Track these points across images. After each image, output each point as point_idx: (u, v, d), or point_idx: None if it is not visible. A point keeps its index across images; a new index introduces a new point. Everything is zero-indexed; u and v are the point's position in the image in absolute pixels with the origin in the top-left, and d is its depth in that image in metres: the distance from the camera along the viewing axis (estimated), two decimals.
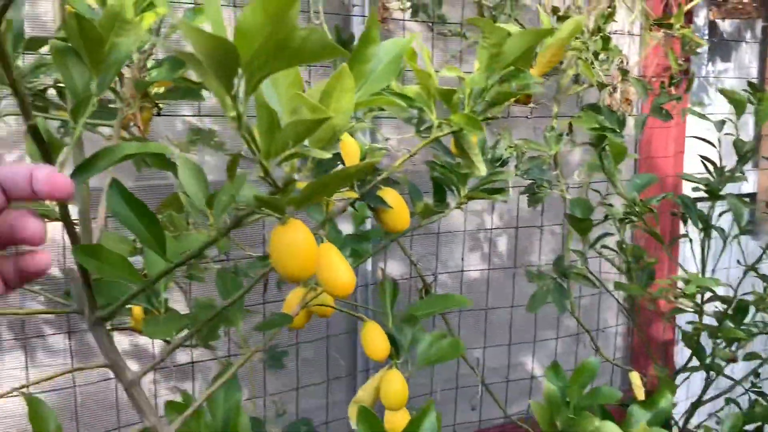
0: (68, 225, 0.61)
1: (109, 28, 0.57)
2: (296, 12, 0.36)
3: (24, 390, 0.75)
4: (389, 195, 0.75)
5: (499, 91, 0.73)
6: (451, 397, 1.83)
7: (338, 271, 0.73)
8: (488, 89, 0.72)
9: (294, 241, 0.58)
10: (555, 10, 1.43)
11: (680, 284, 1.19)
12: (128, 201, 0.58)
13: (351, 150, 0.76)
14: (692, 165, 2.09)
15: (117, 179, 0.58)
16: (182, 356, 1.51)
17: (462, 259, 1.73)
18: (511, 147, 1.42)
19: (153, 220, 0.58)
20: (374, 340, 0.95)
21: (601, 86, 1.42)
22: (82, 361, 1.41)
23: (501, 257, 1.89)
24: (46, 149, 0.50)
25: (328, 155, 0.48)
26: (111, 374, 1.33)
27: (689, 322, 1.31)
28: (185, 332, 0.76)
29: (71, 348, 1.37)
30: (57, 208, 0.77)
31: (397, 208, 0.75)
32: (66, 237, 1.35)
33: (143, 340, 1.46)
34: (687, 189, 2.11)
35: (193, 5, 1.25)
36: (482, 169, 0.83)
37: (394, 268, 1.74)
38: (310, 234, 0.60)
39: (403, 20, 1.59)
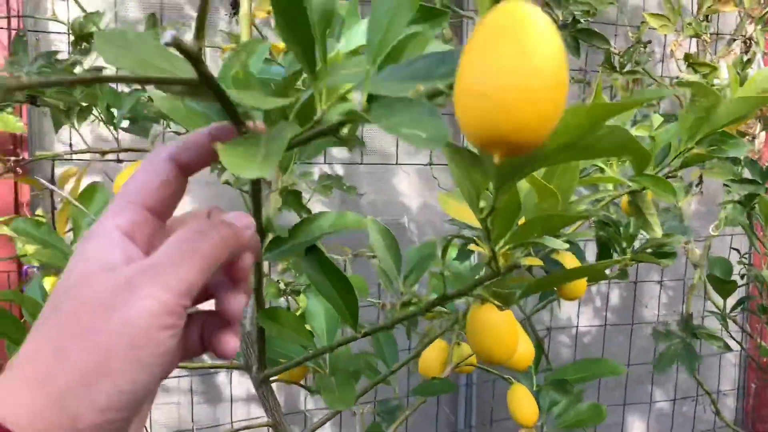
0: (258, 289, 0.59)
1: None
2: None
3: None
4: (567, 259, 0.71)
5: (694, 153, 0.68)
6: None
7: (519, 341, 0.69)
8: (684, 151, 0.67)
9: (497, 322, 0.55)
10: (688, 57, 1.37)
11: None
12: (324, 267, 0.56)
13: None
14: None
15: (317, 245, 0.55)
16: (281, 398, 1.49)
17: (578, 315, 1.66)
18: None
19: (348, 289, 0.56)
20: (523, 404, 0.90)
21: (740, 136, 1.34)
22: (200, 401, 1.40)
23: (612, 310, 1.80)
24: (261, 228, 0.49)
25: (565, 246, 0.45)
26: (226, 418, 1.30)
27: None
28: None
29: (191, 388, 1.37)
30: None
31: None
32: None
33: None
34: None
35: None
36: (658, 231, 0.78)
37: None
38: (511, 313, 0.56)
39: None
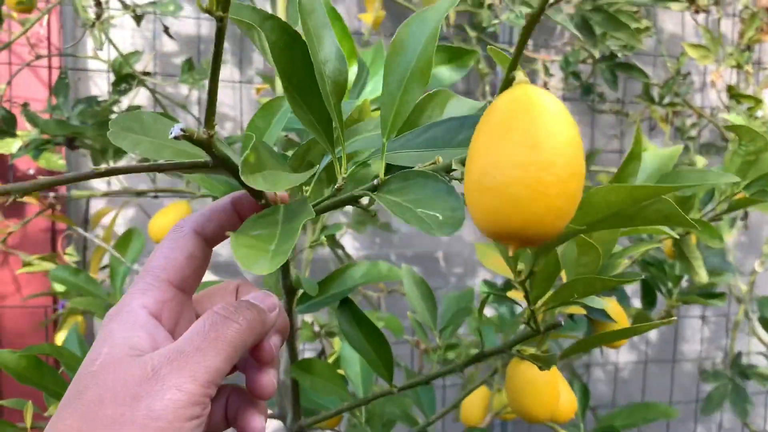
0: (291, 339, 0.58)
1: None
2: None
3: None
4: (611, 305, 0.69)
5: (741, 197, 0.66)
6: None
7: (560, 395, 0.67)
8: (730, 195, 0.65)
9: (537, 379, 0.53)
10: (731, 89, 1.34)
11: None
12: (358, 321, 0.55)
13: None
14: None
15: (350, 297, 0.54)
16: None
17: (616, 351, 1.61)
18: None
19: (382, 342, 0.54)
20: None
21: None
22: None
23: (652, 346, 1.75)
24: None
25: (608, 305, 0.43)
26: None
27: None
28: None
29: None
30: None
31: (620, 321, 0.68)
32: None
33: None
34: None
35: None
36: (704, 276, 0.76)
37: None
38: (554, 369, 0.54)
39: (563, 98, 1.54)
